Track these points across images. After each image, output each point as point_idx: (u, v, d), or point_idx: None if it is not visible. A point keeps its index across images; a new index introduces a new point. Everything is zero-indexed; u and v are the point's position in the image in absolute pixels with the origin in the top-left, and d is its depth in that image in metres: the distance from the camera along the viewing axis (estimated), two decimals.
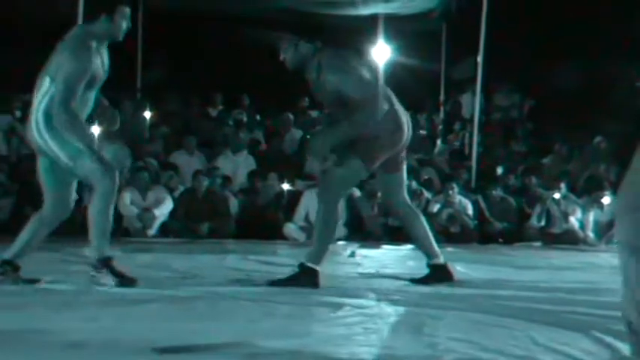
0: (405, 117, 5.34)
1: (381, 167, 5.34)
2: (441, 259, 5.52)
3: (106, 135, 5.71)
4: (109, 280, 4.88)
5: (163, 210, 10.03)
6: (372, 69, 5.48)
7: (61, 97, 4.77)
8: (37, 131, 4.88)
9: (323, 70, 5.14)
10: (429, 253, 5.51)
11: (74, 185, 5.03)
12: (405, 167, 5.51)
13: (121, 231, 9.91)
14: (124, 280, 4.89)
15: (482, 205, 10.54)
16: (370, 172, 5.37)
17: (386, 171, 5.39)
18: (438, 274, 5.45)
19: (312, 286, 5.00)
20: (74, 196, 5.06)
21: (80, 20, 8.26)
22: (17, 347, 3.08)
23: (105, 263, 4.91)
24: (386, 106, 5.20)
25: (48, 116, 4.86)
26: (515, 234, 10.43)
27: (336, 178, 5.21)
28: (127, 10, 5.05)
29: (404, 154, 5.47)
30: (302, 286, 4.95)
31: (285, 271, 5.90)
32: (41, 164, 5.01)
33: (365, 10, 12.94)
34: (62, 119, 4.80)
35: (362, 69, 5.23)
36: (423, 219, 5.59)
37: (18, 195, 9.61)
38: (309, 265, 5.12)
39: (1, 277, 4.92)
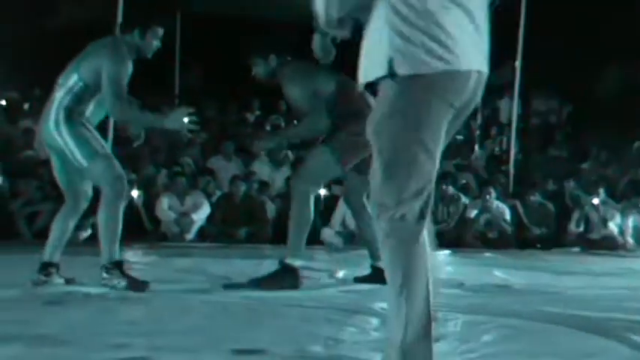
0: None
1: (354, 169, 5.40)
2: None
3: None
4: (119, 282, 4.94)
5: (201, 215, 10.10)
6: (337, 82, 5.41)
7: (113, 92, 4.83)
8: (54, 126, 4.95)
9: (286, 82, 5.42)
10: (374, 256, 5.47)
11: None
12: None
13: (158, 235, 10.01)
14: (135, 284, 4.94)
15: (520, 210, 10.48)
16: (344, 170, 5.39)
17: (358, 173, 5.38)
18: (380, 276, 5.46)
19: (292, 287, 5.03)
20: (89, 185, 5.13)
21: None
22: (67, 347, 3.12)
23: (115, 266, 4.99)
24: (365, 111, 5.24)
25: (69, 112, 4.94)
26: (554, 240, 10.36)
27: (306, 172, 5.31)
28: (160, 31, 5.12)
29: None
30: (284, 288, 4.99)
31: (322, 277, 5.93)
32: (54, 163, 5.12)
33: None
34: (125, 113, 4.90)
35: (320, 83, 5.35)
36: None
37: (57, 200, 9.72)
38: (290, 262, 5.17)
39: (47, 279, 5.03)
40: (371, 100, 5.31)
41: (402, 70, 2.66)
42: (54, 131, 4.96)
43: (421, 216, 2.68)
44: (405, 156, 2.68)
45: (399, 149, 2.69)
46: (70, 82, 4.99)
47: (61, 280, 5.08)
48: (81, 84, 4.95)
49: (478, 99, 2.87)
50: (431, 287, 2.68)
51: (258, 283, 5.06)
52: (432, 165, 2.69)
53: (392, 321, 2.67)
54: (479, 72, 2.80)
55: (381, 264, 5.34)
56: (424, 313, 2.65)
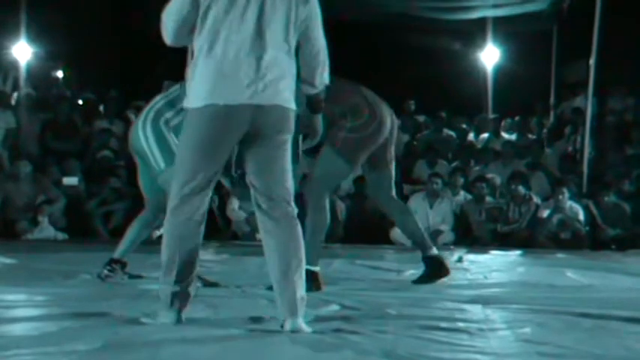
0: (384, 111, 5.36)
1: (368, 164, 5.37)
2: (435, 251, 5.53)
3: None
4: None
5: None
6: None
7: None
8: (142, 128, 5.04)
9: None
10: (423, 247, 5.48)
11: None
12: (393, 165, 5.50)
13: (230, 235, 10.12)
14: (207, 282, 5.08)
15: (594, 210, 10.29)
16: (354, 165, 5.36)
17: (374, 169, 5.40)
18: (435, 266, 5.45)
19: (314, 289, 4.83)
20: None
21: None
22: (133, 345, 3.18)
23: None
24: (362, 105, 5.23)
25: (158, 115, 5.02)
26: (629, 240, 10.15)
27: (316, 178, 5.29)
28: None
29: (392, 151, 5.45)
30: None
31: (392, 276, 5.93)
32: (140, 169, 5.23)
33: (474, 14, 12.86)
34: None
35: None
36: (413, 213, 5.67)
37: (134, 200, 9.89)
38: (308, 267, 5.06)
39: (111, 274, 5.20)
40: (367, 92, 5.31)
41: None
42: (141, 134, 5.05)
43: None
44: None
45: None
46: (172, 89, 5.11)
47: (125, 277, 5.24)
48: (179, 92, 5.02)
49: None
50: None
51: None
52: None
53: None
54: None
55: (432, 252, 5.37)
56: None
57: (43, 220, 9.72)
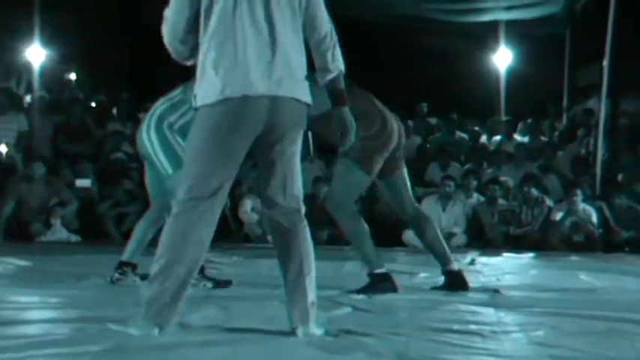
0: (392, 118, 5.26)
1: (381, 172, 5.25)
2: (455, 266, 5.42)
3: None
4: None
5: None
6: None
7: None
8: (146, 133, 5.07)
9: None
10: (442, 259, 5.38)
11: None
12: (404, 170, 5.38)
13: (241, 237, 10.13)
14: (220, 283, 5.14)
15: (607, 213, 10.25)
16: (372, 175, 5.20)
17: (384, 176, 5.30)
18: (454, 281, 5.34)
19: (391, 290, 5.04)
20: None
21: None
22: (143, 347, 3.19)
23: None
24: (373, 111, 5.16)
25: (161, 120, 5.05)
26: None
27: (337, 192, 5.18)
28: None
29: (400, 156, 5.34)
30: (383, 292, 5.00)
31: (404, 279, 5.92)
32: (147, 170, 5.26)
33: (486, 17, 12.85)
34: None
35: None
36: (434, 223, 5.49)
37: (144, 202, 9.91)
38: (377, 271, 5.14)
39: (123, 277, 5.22)
40: (375, 99, 5.25)
41: None
42: (145, 138, 5.08)
43: None
44: None
45: None
46: (174, 93, 5.13)
47: (137, 279, 5.25)
48: (182, 96, 5.05)
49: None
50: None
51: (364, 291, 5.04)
52: None
53: None
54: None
55: (452, 266, 5.28)
56: None
57: (56, 222, 9.76)
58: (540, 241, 9.95)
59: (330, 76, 3.54)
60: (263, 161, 3.49)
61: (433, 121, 13.76)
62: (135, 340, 3.26)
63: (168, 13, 3.47)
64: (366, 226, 5.18)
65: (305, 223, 3.52)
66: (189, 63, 3.55)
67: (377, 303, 4.62)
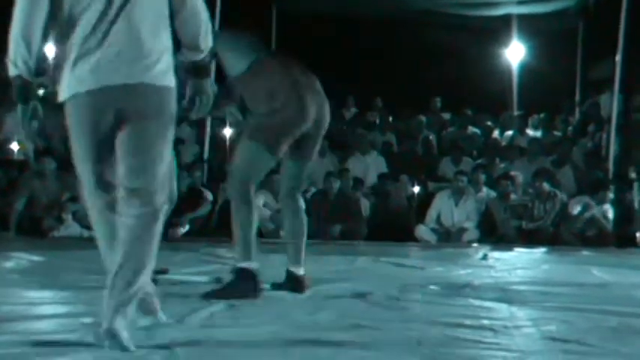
0: (312, 102, 4.79)
1: (290, 152, 4.86)
2: (301, 271, 4.97)
3: None
4: None
5: None
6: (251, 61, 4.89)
7: None
8: None
9: None
10: (292, 258, 5.01)
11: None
12: (309, 160, 5.01)
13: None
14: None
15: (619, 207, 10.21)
16: (277, 156, 4.79)
17: (290, 157, 4.92)
18: (291, 284, 4.92)
19: (251, 292, 4.56)
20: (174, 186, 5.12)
21: None
22: (152, 344, 3.19)
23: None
24: (290, 91, 4.74)
25: None
26: None
27: (235, 169, 4.80)
28: None
29: (316, 144, 4.96)
30: (243, 296, 4.46)
31: (416, 273, 5.92)
32: None
33: (498, 11, 12.82)
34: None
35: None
36: (304, 220, 5.18)
37: None
38: (243, 265, 4.67)
39: None
40: (301, 77, 4.92)
41: None
42: None
43: None
44: None
45: None
46: None
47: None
48: None
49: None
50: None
51: (213, 294, 4.52)
52: None
53: None
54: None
55: (297, 271, 4.95)
56: None
57: (68, 217, 9.78)
58: (553, 235, 9.93)
59: (199, 56, 3.34)
60: (120, 147, 3.24)
61: (446, 116, 13.75)
62: (145, 337, 3.27)
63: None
64: (255, 215, 4.78)
65: (159, 214, 3.22)
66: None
67: (389, 297, 4.61)
